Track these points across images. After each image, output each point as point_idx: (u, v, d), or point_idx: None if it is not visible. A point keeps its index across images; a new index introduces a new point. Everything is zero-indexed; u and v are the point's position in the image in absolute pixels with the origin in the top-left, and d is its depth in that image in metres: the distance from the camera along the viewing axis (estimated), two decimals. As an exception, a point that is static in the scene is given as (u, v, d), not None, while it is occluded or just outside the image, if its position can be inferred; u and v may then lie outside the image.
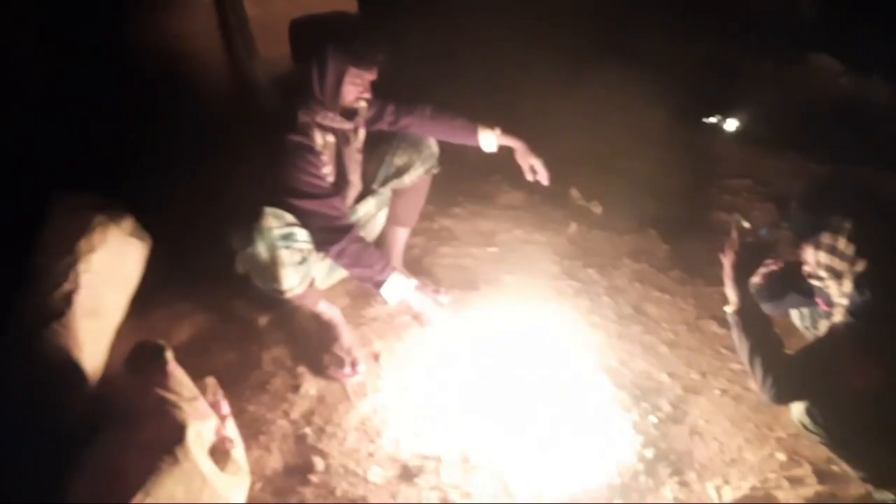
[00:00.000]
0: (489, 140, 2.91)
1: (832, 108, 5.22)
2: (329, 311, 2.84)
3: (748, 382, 2.72)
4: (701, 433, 2.55)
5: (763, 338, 2.01)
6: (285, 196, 2.49)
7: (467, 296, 3.12)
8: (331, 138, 2.61)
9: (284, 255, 2.52)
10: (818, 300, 2.19)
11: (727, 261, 2.17)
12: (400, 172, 2.93)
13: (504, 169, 3.71)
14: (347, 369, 2.68)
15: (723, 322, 3.01)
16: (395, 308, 2.92)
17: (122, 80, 3.15)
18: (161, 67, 3.29)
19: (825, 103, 5.29)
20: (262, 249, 2.50)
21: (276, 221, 2.48)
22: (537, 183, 2.97)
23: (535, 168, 2.94)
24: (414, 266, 3.23)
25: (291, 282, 2.60)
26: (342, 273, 2.82)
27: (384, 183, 2.94)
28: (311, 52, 2.47)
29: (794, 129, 4.72)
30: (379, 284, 2.59)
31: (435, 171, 3.01)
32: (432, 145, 2.96)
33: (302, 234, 2.53)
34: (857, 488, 2.25)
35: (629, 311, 3.11)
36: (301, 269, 2.59)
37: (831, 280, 2.02)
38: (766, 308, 2.29)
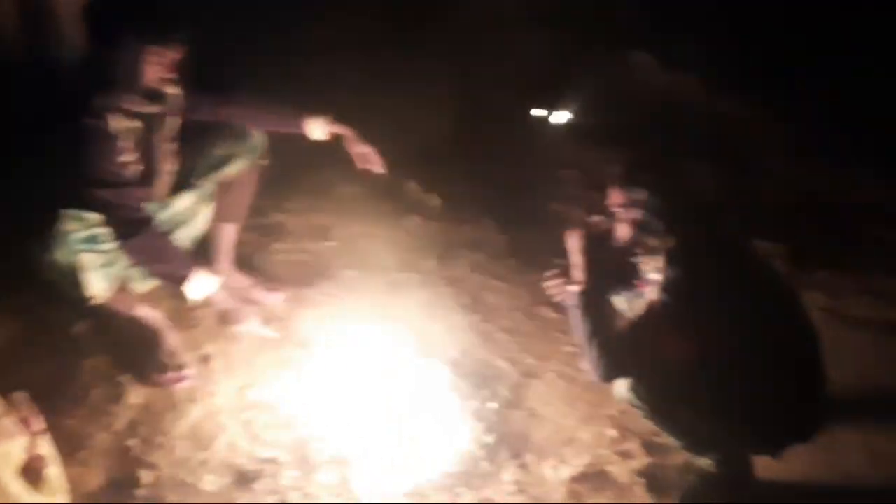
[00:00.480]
0: (317, 128, 2.81)
1: (651, 102, 5.54)
2: (149, 314, 2.66)
3: (580, 364, 2.82)
4: (538, 416, 2.61)
5: (602, 319, 2.07)
6: (80, 185, 2.31)
7: (304, 292, 3.03)
8: (135, 123, 2.43)
9: (87, 260, 2.35)
10: (635, 281, 2.28)
11: (576, 241, 2.17)
12: (222, 164, 2.77)
13: (339, 162, 3.63)
14: (173, 374, 2.53)
15: (556, 307, 3.11)
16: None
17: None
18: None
19: (645, 98, 5.61)
20: (62, 255, 2.32)
21: (75, 224, 2.30)
22: (373, 173, 2.90)
23: (366, 156, 2.86)
24: (246, 263, 3.10)
25: (97, 287, 2.43)
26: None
27: (205, 175, 2.78)
28: (108, 30, 2.30)
29: (618, 122, 4.97)
30: (180, 281, 2.44)
31: (262, 162, 2.88)
32: (257, 136, 2.83)
33: (106, 236, 2.35)
34: (681, 457, 2.38)
35: (468, 300, 3.14)
36: (108, 272, 2.42)
37: (646, 256, 2.12)
38: None
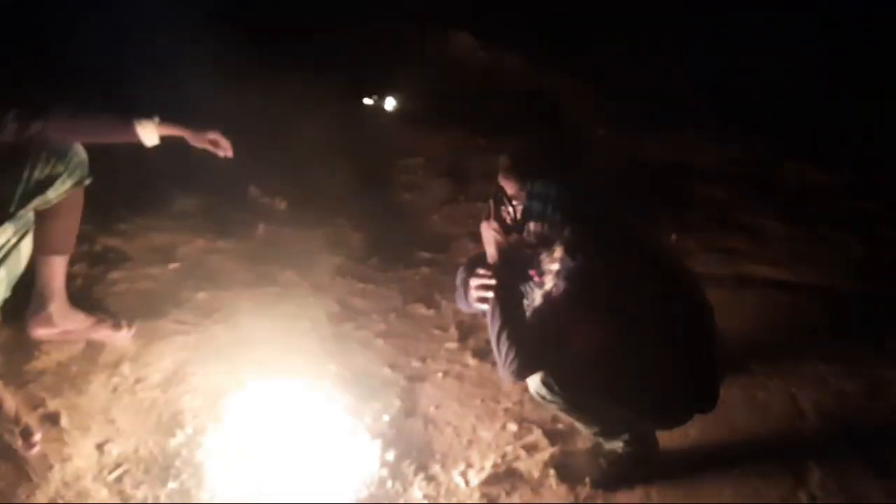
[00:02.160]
0: (149, 132, 2.46)
1: (475, 80, 5.56)
2: None
3: (466, 359, 2.74)
4: (434, 421, 2.48)
5: (514, 314, 1.96)
6: None
7: (155, 324, 2.70)
8: None
9: None
10: (531, 272, 2.20)
11: (491, 234, 2.03)
12: (42, 188, 2.37)
13: (171, 171, 3.28)
14: (19, 442, 2.15)
15: (430, 304, 3.01)
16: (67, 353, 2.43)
17: None
18: None
19: (468, 77, 5.61)
20: None
21: None
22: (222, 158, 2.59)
23: (216, 142, 2.55)
24: (82, 299, 2.70)
25: None
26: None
27: (22, 204, 2.37)
28: None
29: (448, 103, 4.92)
30: None
31: (87, 181, 2.50)
32: (80, 152, 2.44)
33: None
34: (584, 442, 2.36)
35: (337, 308, 2.94)
36: None
37: (543, 247, 2.05)
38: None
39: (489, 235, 2.02)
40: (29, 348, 2.49)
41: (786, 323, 2.95)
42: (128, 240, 3.09)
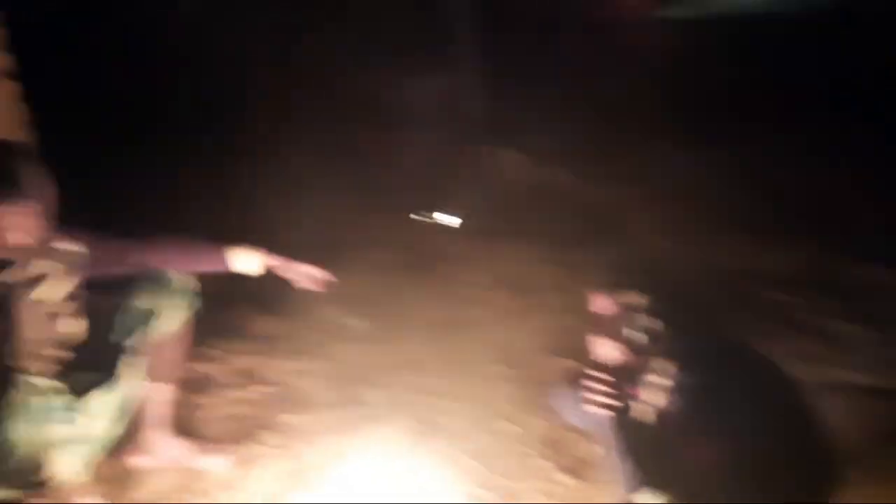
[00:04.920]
0: (247, 261, 2.43)
1: (532, 195, 5.68)
2: None
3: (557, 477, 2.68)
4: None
5: (632, 427, 1.95)
6: None
7: (250, 450, 2.72)
8: None
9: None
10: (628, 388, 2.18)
11: (615, 349, 2.04)
12: (147, 319, 2.40)
13: (246, 294, 3.36)
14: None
15: (514, 420, 2.97)
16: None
17: None
18: None
19: (525, 192, 5.74)
20: None
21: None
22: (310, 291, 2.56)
23: (307, 273, 2.52)
24: (184, 426, 2.75)
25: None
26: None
27: (128, 334, 2.37)
28: None
29: (512, 218, 5.02)
30: None
31: (195, 307, 2.51)
32: (181, 278, 2.47)
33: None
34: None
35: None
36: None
37: (642, 359, 2.04)
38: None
39: (612, 352, 2.03)
40: (128, 478, 2.52)
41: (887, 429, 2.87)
42: (217, 365, 3.17)
